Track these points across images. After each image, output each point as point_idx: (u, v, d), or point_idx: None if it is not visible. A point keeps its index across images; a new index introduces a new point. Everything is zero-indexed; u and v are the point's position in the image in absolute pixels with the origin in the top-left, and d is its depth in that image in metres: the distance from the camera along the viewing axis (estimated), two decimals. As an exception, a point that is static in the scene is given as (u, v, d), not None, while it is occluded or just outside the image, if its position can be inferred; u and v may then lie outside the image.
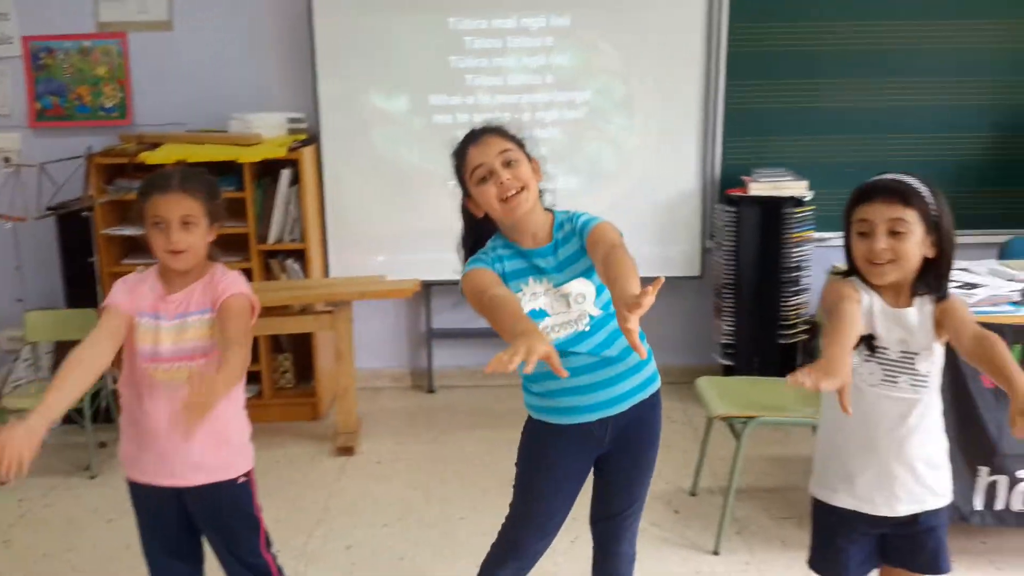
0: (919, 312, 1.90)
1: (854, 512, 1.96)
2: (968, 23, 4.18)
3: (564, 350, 1.96)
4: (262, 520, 2.21)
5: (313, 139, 4.25)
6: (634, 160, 4.29)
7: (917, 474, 1.92)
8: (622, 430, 2.08)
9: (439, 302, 4.48)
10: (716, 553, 3.00)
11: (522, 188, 1.96)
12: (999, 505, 2.77)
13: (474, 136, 2.02)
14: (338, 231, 4.36)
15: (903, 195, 1.84)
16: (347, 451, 3.81)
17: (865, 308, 1.91)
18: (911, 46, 4.20)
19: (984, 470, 2.73)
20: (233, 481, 2.13)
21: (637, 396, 2.07)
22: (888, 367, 1.90)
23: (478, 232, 2.09)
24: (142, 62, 4.31)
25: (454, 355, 4.56)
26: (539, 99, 4.26)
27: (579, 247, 2.00)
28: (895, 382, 1.89)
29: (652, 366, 2.13)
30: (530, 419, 2.14)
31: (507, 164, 1.96)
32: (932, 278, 1.90)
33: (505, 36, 4.21)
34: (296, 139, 4.11)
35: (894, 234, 1.84)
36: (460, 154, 2.03)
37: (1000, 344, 1.79)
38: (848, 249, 1.94)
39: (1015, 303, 2.70)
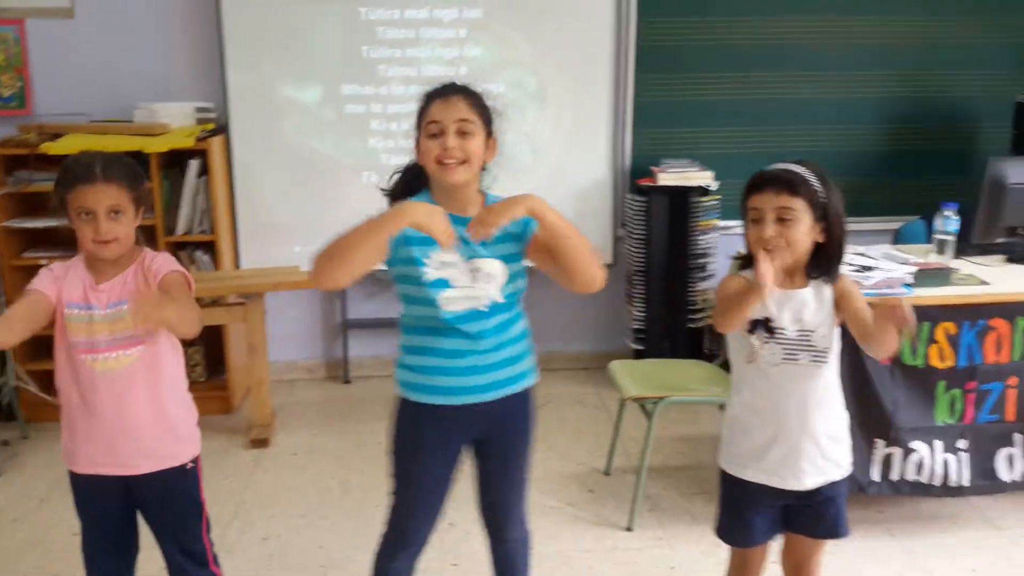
0: (815, 293, 2.00)
1: (762, 486, 2.05)
2: (863, 19, 4.37)
3: (454, 324, 1.98)
4: (206, 506, 2.19)
5: (222, 129, 4.19)
6: (547, 152, 4.36)
7: (822, 448, 2.02)
8: (493, 419, 2.08)
9: (354, 292, 4.47)
10: (630, 529, 3.09)
11: (464, 160, 1.96)
12: (894, 476, 2.92)
13: (444, 92, 1.99)
14: (249, 222, 4.30)
15: (790, 184, 1.93)
16: (261, 443, 3.77)
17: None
18: (810, 41, 4.37)
19: (880, 443, 2.87)
20: (182, 467, 2.12)
21: (510, 387, 2.08)
22: (788, 346, 1.99)
23: (413, 183, 2.07)
24: (42, 50, 4.16)
25: (370, 345, 4.55)
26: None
27: (516, 231, 2.01)
28: (796, 360, 1.98)
29: (530, 362, 2.14)
30: (399, 403, 2.11)
31: (461, 132, 1.96)
32: (824, 261, 2.00)
33: (418, 27, 4.22)
34: (204, 129, 4.04)
35: (782, 221, 1.93)
36: (425, 102, 2.00)
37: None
38: (746, 237, 2.03)
39: (908, 285, 2.85)
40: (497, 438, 2.12)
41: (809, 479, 2.02)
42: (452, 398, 2.04)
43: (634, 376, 3.26)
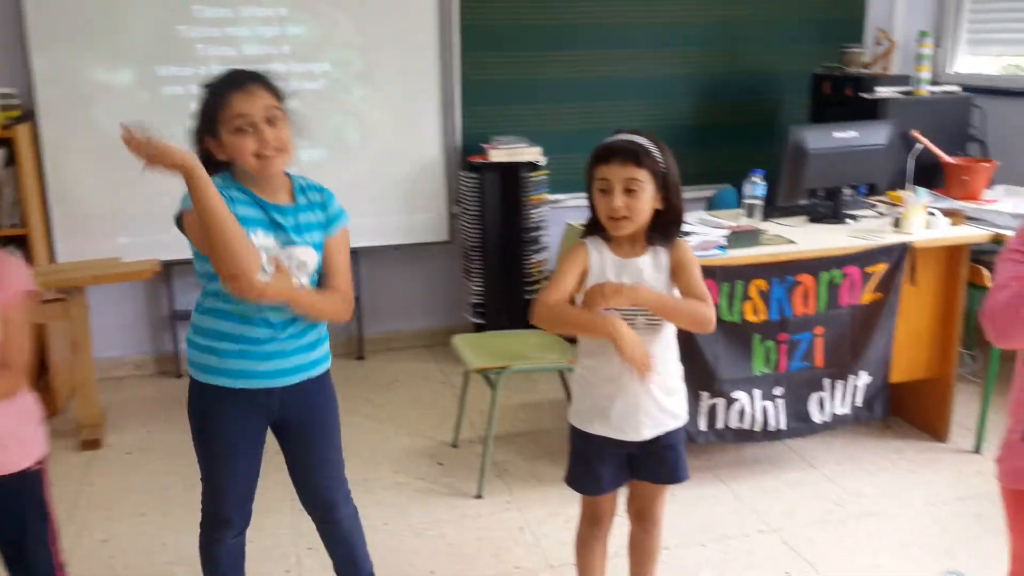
0: (653, 260, 2.11)
1: (606, 438, 2.16)
2: (682, 1, 4.61)
3: (260, 310, 2.00)
4: (52, 511, 2.08)
5: (28, 116, 3.92)
6: (377, 131, 4.35)
7: (658, 401, 2.14)
8: (293, 402, 2.11)
9: (182, 282, 4.31)
10: (479, 496, 3.17)
11: (279, 150, 1.95)
12: (719, 424, 3.14)
13: (240, 82, 1.95)
14: (64, 214, 4.06)
15: (636, 156, 2.01)
16: (93, 445, 3.60)
17: (596, 265, 2.10)
18: (628, 20, 4.56)
19: (705, 395, 3.08)
20: (27, 470, 2.01)
21: (310, 371, 2.12)
22: (625, 311, 2.09)
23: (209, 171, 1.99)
24: None
25: (204, 336, 4.40)
26: (276, 70, 4.16)
27: (322, 220, 2.05)
28: (633, 323, 2.08)
29: (325, 348, 2.17)
30: (194, 384, 2.10)
31: (270, 121, 1.94)
32: (662, 228, 2.10)
33: (236, 5, 4.09)
34: (9, 116, 3.77)
35: (629, 192, 2.02)
36: (219, 95, 1.94)
37: (695, 304, 2.08)
38: (592, 205, 2.12)
39: (721, 247, 3.06)
40: (298, 421, 2.15)
41: (647, 430, 2.15)
42: (251, 382, 2.05)
43: (476, 349, 3.33)
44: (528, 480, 3.30)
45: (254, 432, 2.13)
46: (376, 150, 4.35)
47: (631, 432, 2.15)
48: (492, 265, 4.31)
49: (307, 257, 2.02)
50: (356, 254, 4.37)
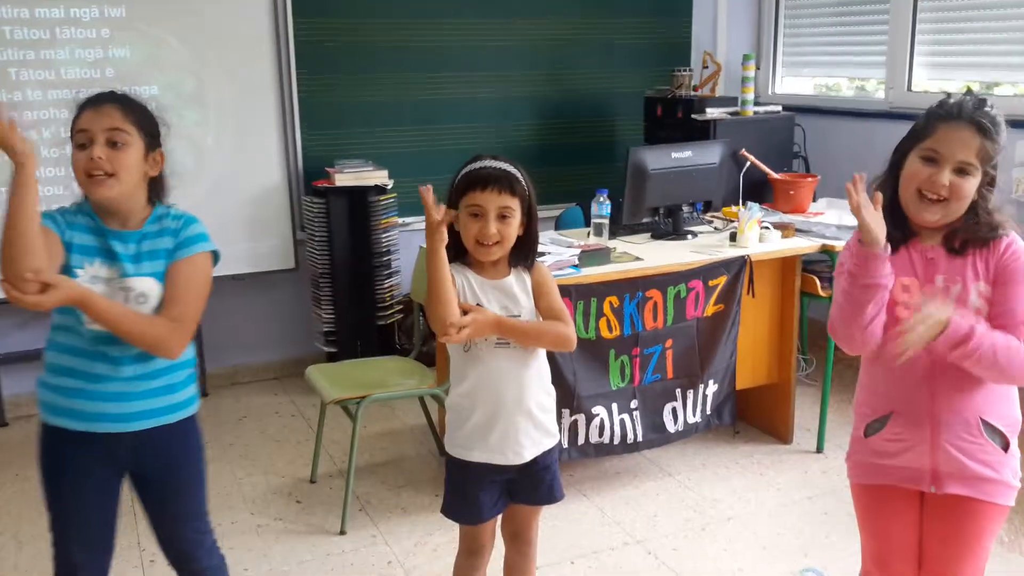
0: (517, 280, 2.13)
1: (487, 464, 2.13)
2: (515, 21, 4.67)
3: (96, 345, 1.89)
4: None
5: None
6: (214, 157, 4.16)
7: (536, 421, 2.14)
8: (146, 451, 1.99)
9: (3, 321, 3.97)
10: (343, 532, 3.07)
11: (111, 173, 1.84)
12: (581, 440, 3.18)
13: (97, 101, 1.88)
14: None
15: (511, 184, 2.03)
16: (-97, 510, 3.24)
17: (463, 287, 2.08)
18: (469, 42, 4.59)
19: (567, 412, 3.11)
20: None
21: (161, 419, 1.98)
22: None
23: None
24: None
25: (27, 380, 4.05)
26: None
27: (170, 247, 1.93)
28: (508, 344, 2.09)
29: (187, 392, 2.05)
30: (41, 426, 1.99)
31: (111, 143, 1.84)
32: (524, 252, 2.13)
33: (53, 26, 3.83)
34: None
35: (502, 218, 2.03)
36: (78, 109, 1.89)
37: (553, 324, 2.11)
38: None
39: (575, 266, 3.11)
40: (155, 472, 2.03)
41: (527, 452, 2.14)
42: (93, 425, 1.93)
43: (333, 379, 3.24)
44: (393, 511, 3.23)
45: (103, 479, 1.99)
46: (213, 176, 4.16)
47: (512, 455, 2.13)
48: (343, 292, 4.21)
49: (147, 288, 1.90)
50: (196, 286, 4.17)
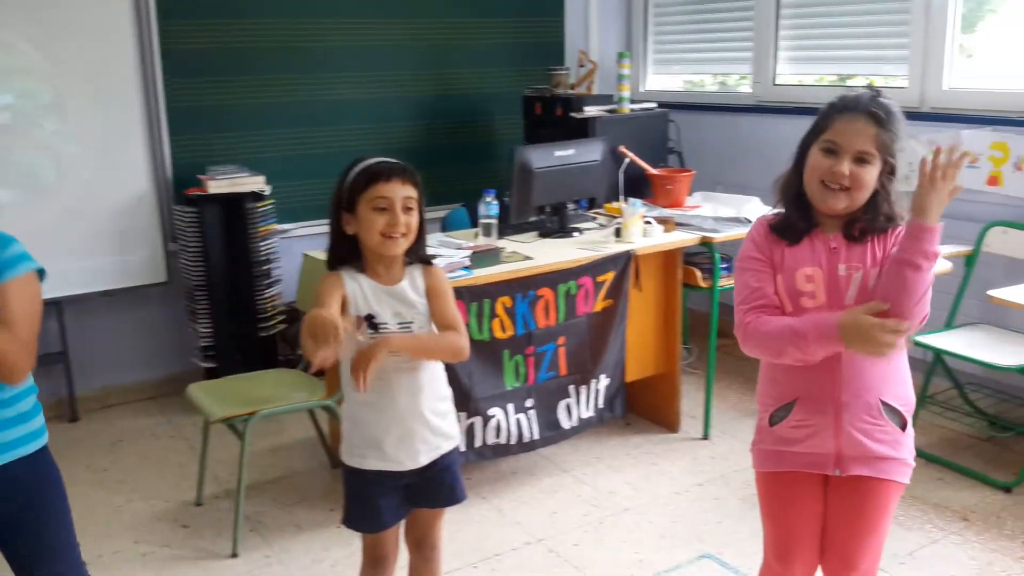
0: (410, 284, 2.10)
1: (383, 471, 2.10)
2: (394, 21, 4.60)
3: None
4: None
5: None
6: (76, 167, 3.92)
7: (431, 426, 2.12)
8: (4, 487, 1.86)
9: None
10: (235, 555, 2.94)
11: None
12: (478, 443, 3.16)
13: None
14: None
15: (412, 176, 2.04)
16: None
17: (355, 293, 2.04)
18: (348, 43, 4.50)
19: (463, 415, 3.08)
20: None
21: (17, 450, 1.87)
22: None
23: None
24: None
25: None
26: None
27: None
28: (399, 357, 2.05)
29: (34, 423, 1.92)
30: None
31: None
32: (416, 248, 2.11)
33: None
34: None
35: (407, 210, 2.03)
36: None
37: (449, 335, 2.09)
38: (339, 231, 2.07)
39: (466, 268, 3.08)
40: (8, 511, 1.88)
41: (424, 456, 2.13)
42: None
43: (217, 396, 3.10)
44: (286, 529, 3.12)
45: None
46: (75, 188, 3.93)
47: (408, 461, 2.11)
48: (221, 304, 4.04)
49: None
50: (59, 305, 3.93)
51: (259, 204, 4.06)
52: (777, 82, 4.69)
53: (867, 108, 1.81)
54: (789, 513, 2.00)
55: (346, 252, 2.09)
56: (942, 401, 3.75)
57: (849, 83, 4.40)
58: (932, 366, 3.64)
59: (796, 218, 1.88)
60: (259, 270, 4.09)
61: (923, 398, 3.60)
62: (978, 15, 3.91)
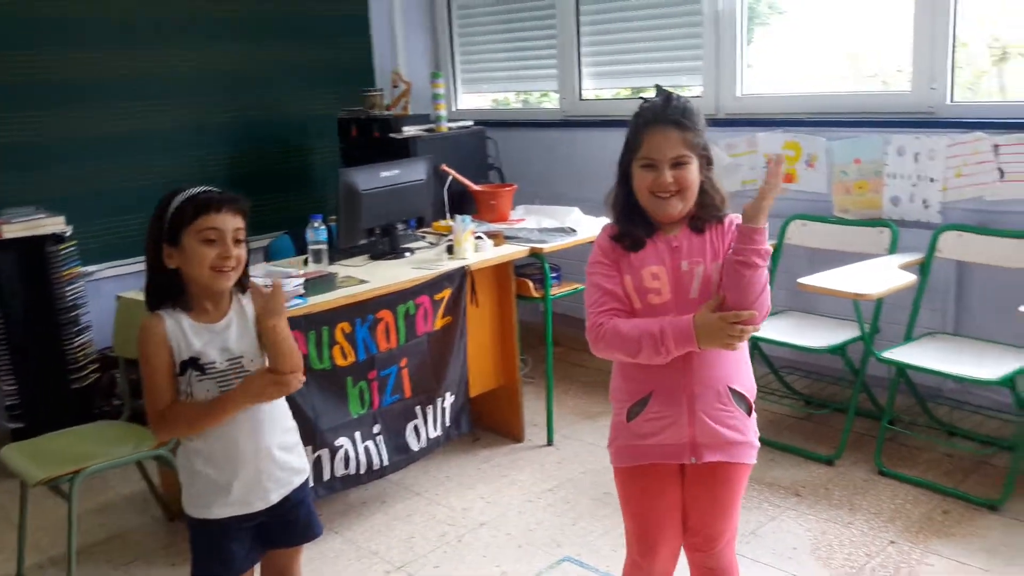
0: (238, 315, 2.01)
1: (233, 516, 2.01)
2: (205, 49, 4.45)
3: None
4: None
5: None
6: None
7: (279, 462, 2.05)
8: None
9: None
10: (72, 629, 2.71)
11: None
12: (327, 476, 3.06)
13: None
14: None
15: (242, 206, 1.98)
16: None
17: (175, 334, 1.95)
18: (140, 72, 4.27)
19: (309, 448, 2.98)
20: None
21: None
22: (221, 378, 1.97)
23: None
24: None
25: None
26: None
27: None
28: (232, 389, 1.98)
29: None
30: None
31: None
32: (241, 280, 2.04)
33: None
34: None
35: (237, 242, 1.96)
36: None
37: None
38: (157, 267, 1.98)
39: (301, 296, 2.99)
40: None
41: (274, 495, 2.06)
42: None
43: (35, 456, 2.84)
44: (126, 591, 2.90)
45: None
46: None
47: (258, 501, 2.04)
48: (26, 358, 3.71)
49: None
50: None
51: (60, 247, 3.76)
52: (583, 97, 4.88)
53: (668, 117, 1.92)
54: (650, 505, 2.07)
55: (167, 288, 1.98)
56: (762, 386, 4.01)
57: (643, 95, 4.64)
58: (750, 353, 3.88)
59: (635, 228, 1.96)
60: (66, 317, 3.78)
61: (745, 385, 3.83)
62: (760, 26, 4.24)
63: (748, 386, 2.02)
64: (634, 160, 1.95)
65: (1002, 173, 3.39)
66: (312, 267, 3.36)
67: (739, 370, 2.01)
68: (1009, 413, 3.42)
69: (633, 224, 1.97)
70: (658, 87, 2.02)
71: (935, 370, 3.23)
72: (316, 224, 3.39)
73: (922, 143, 3.58)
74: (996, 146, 3.39)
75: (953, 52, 3.56)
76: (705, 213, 1.97)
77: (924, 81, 3.62)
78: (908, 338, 3.52)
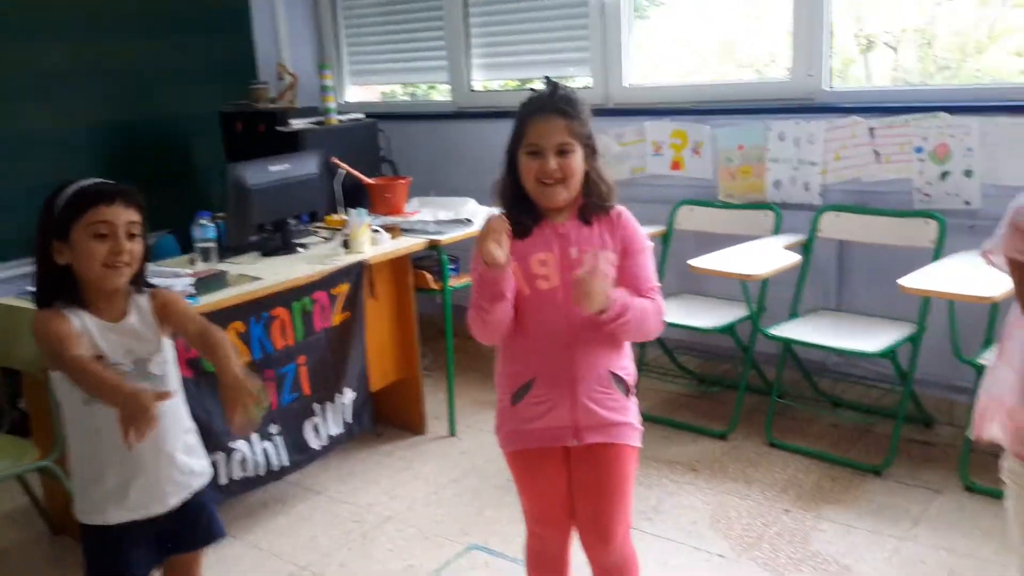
0: (138, 315, 1.94)
1: (130, 522, 1.94)
2: (73, 44, 4.21)
3: None
4: None
5: None
6: None
7: (179, 465, 2.00)
8: None
9: None
10: (-46, 655, 2.56)
11: None
12: (223, 480, 2.97)
13: None
14: None
15: (135, 198, 1.92)
16: None
17: (79, 328, 1.87)
18: (20, 67, 4.03)
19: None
20: None
21: None
22: (131, 380, 1.88)
23: None
24: None
25: None
26: None
27: None
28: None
29: None
30: None
31: None
32: (137, 278, 1.98)
33: None
34: None
35: (131, 236, 1.90)
36: None
37: (220, 334, 1.99)
38: (48, 266, 1.90)
39: (192, 296, 2.89)
40: None
41: (173, 499, 2.00)
42: None
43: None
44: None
45: None
46: None
47: (156, 506, 1.98)
48: None
49: None
50: None
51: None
52: (473, 88, 4.88)
53: (553, 106, 1.96)
54: (540, 486, 2.12)
55: (58, 287, 1.90)
56: (656, 367, 4.11)
57: (530, 87, 4.67)
58: (646, 337, 3.98)
59: (522, 216, 2.00)
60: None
61: (640, 365, 3.91)
62: (640, 19, 4.33)
63: (628, 371, 2.08)
64: (520, 148, 1.98)
65: (877, 155, 3.57)
66: (201, 266, 3.26)
67: (619, 355, 2.06)
68: (890, 383, 3.61)
69: (520, 212, 2.00)
70: (547, 79, 2.06)
71: (820, 344, 3.38)
72: (203, 221, 3.29)
73: (802, 128, 3.73)
74: (872, 129, 3.55)
75: (830, 41, 3.72)
76: (592, 202, 2.01)
77: (802, 69, 3.77)
78: (794, 315, 3.67)
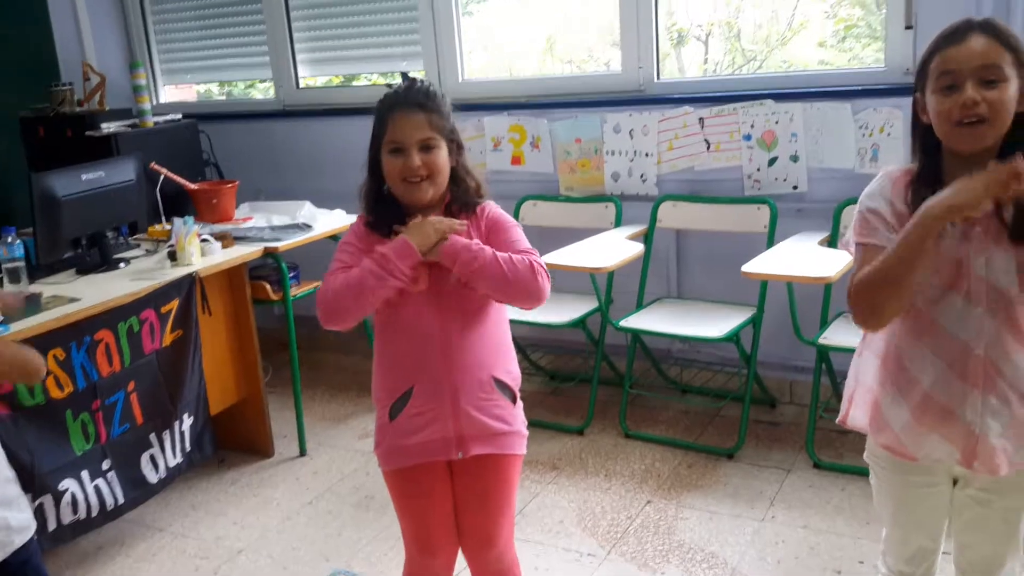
0: None
1: None
2: None
3: None
4: None
5: None
6: None
7: None
8: None
9: None
10: None
11: None
12: (52, 525, 2.66)
13: None
14: None
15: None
16: None
17: None
18: None
19: (29, 497, 2.57)
20: None
21: None
22: None
23: None
24: None
25: None
26: None
27: None
28: None
29: None
30: None
31: None
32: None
33: None
34: None
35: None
36: None
37: None
38: None
39: (3, 324, 2.57)
40: None
41: None
42: None
43: None
44: None
45: None
46: None
47: None
48: None
49: None
50: None
51: None
52: (301, 86, 4.66)
53: (412, 100, 1.88)
54: (422, 506, 2.00)
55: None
56: (508, 367, 4.07)
57: (355, 83, 4.54)
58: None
59: (387, 216, 1.91)
60: None
61: (494, 367, 3.86)
62: (466, 16, 4.27)
63: (512, 376, 2.00)
64: (382, 147, 1.89)
65: (708, 144, 3.66)
66: (9, 288, 2.91)
67: (502, 359, 1.98)
68: (734, 367, 3.73)
69: (387, 212, 1.91)
70: (403, 74, 1.98)
71: (670, 333, 3.44)
72: (8, 239, 2.94)
73: (635, 120, 3.78)
74: (702, 119, 3.65)
75: (657, 34, 3.78)
76: (460, 199, 1.94)
77: (633, 62, 3.82)
78: (640, 305, 3.72)
